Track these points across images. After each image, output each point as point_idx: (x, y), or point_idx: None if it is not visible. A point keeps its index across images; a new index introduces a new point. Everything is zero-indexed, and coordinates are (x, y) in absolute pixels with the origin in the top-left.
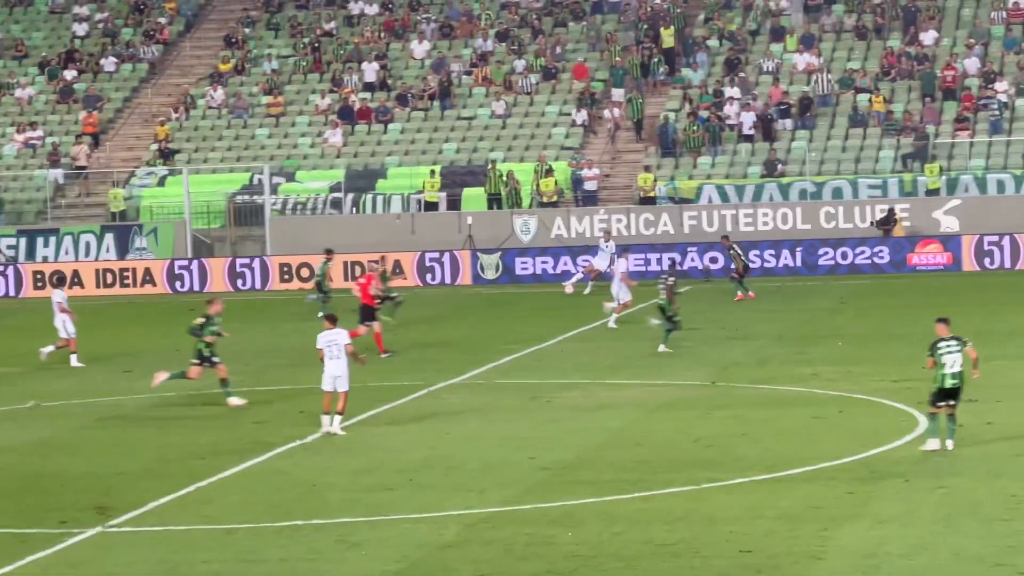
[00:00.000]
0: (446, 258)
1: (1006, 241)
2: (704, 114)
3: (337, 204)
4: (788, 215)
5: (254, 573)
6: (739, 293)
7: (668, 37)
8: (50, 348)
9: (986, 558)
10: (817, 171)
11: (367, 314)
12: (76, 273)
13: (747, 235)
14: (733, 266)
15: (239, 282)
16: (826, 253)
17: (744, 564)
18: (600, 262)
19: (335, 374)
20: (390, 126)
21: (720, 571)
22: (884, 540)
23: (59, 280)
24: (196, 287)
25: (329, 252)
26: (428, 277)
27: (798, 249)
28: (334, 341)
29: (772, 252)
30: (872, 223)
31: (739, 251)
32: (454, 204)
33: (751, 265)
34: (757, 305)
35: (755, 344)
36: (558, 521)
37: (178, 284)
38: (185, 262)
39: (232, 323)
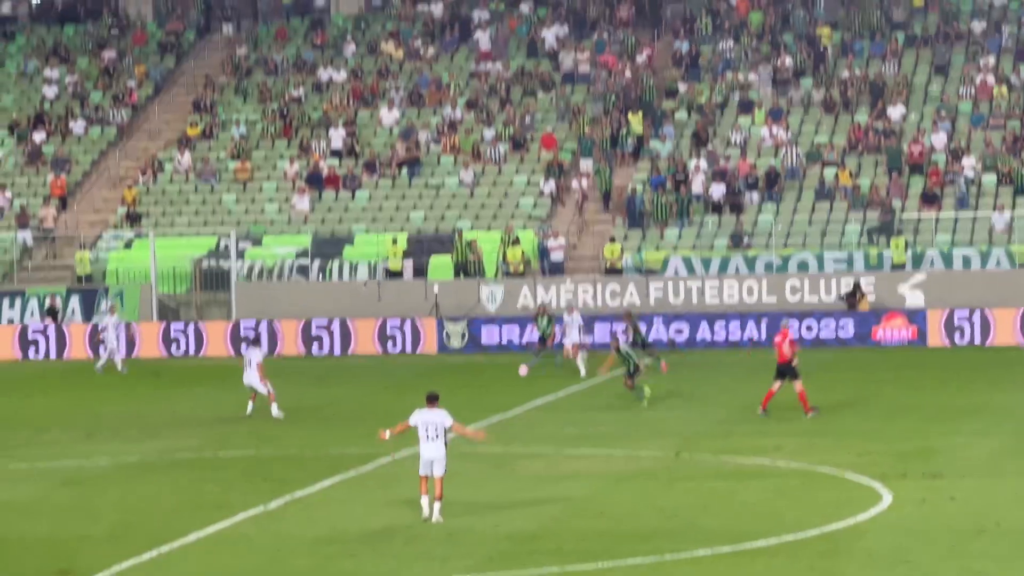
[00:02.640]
0: (407, 326)
1: (976, 316)
2: (668, 185)
3: (304, 270)
4: (753, 287)
5: None
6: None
7: (637, 123)
8: (251, 407)
9: None
10: (783, 244)
11: (786, 371)
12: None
13: (713, 307)
14: (633, 341)
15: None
16: (791, 326)
17: None
18: (570, 335)
19: (431, 457)
20: (358, 193)
21: None
22: None
23: (256, 340)
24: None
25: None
26: (389, 345)
27: (763, 321)
28: (432, 422)
29: (738, 324)
30: (840, 297)
31: (637, 327)
32: (421, 272)
33: (649, 343)
34: (721, 377)
35: (719, 415)
36: None
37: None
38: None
39: (192, 388)
